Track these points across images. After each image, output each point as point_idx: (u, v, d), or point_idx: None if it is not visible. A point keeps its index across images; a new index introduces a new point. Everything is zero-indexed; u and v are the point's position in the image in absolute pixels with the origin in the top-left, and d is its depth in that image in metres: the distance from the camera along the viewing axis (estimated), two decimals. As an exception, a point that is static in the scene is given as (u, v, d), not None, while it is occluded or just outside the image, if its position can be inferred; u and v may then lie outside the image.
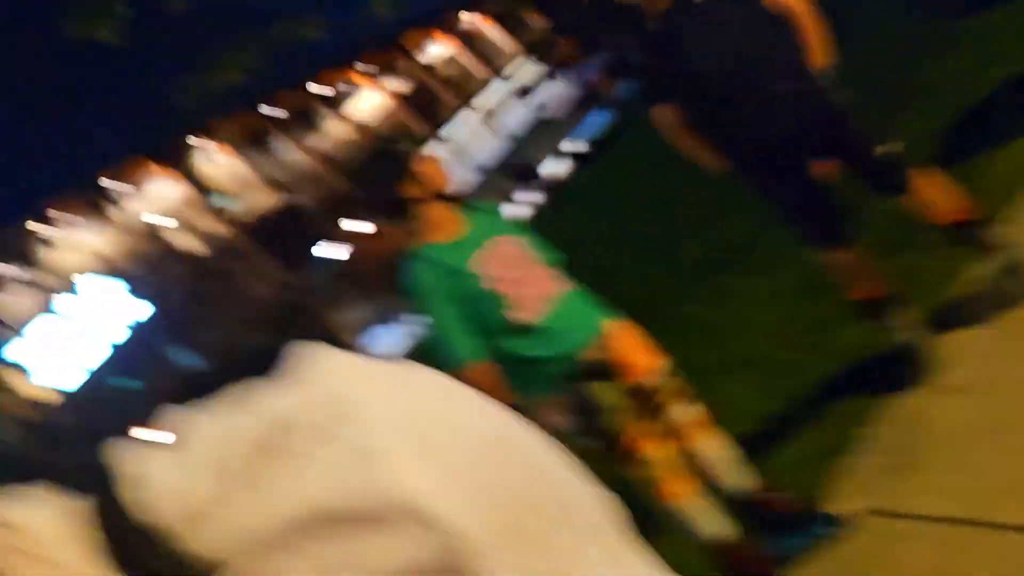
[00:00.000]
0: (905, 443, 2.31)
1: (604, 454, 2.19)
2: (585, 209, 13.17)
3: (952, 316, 2.63)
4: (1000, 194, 2.98)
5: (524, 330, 2.15)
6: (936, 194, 2.50)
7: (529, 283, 2.20)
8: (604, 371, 2.20)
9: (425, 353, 2.47)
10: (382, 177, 2.27)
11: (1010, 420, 2.10)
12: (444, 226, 2.20)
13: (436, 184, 2.21)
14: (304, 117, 17.95)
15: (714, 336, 3.82)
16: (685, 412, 2.25)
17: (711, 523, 2.17)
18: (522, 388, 2.19)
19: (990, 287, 2.54)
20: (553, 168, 24.49)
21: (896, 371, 2.56)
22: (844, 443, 2.48)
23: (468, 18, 21.59)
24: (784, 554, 2.22)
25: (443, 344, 2.15)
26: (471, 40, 21.73)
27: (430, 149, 2.35)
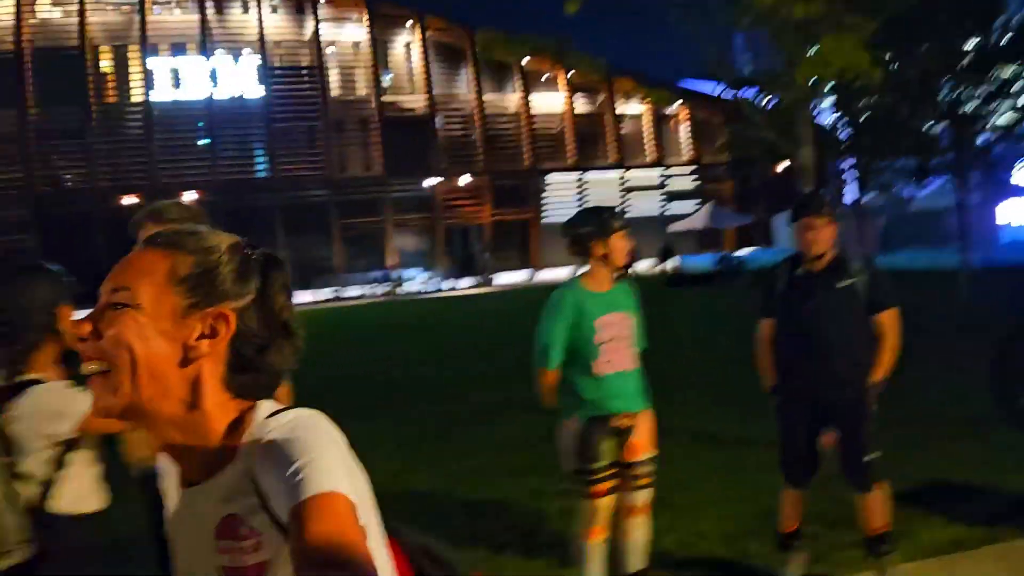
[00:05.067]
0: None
1: (575, 480, 3.11)
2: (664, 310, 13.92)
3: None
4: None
5: (596, 377, 3.10)
6: (878, 506, 3.28)
7: (619, 352, 3.14)
8: (618, 434, 3.13)
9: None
10: (587, 223, 3.15)
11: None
12: (600, 280, 3.11)
13: (615, 257, 3.09)
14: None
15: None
16: (643, 493, 3.21)
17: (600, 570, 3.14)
18: (562, 402, 3.16)
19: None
20: (670, 264, 26.03)
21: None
22: None
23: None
24: None
25: (542, 344, 3.11)
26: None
27: (624, 231, 3.15)
